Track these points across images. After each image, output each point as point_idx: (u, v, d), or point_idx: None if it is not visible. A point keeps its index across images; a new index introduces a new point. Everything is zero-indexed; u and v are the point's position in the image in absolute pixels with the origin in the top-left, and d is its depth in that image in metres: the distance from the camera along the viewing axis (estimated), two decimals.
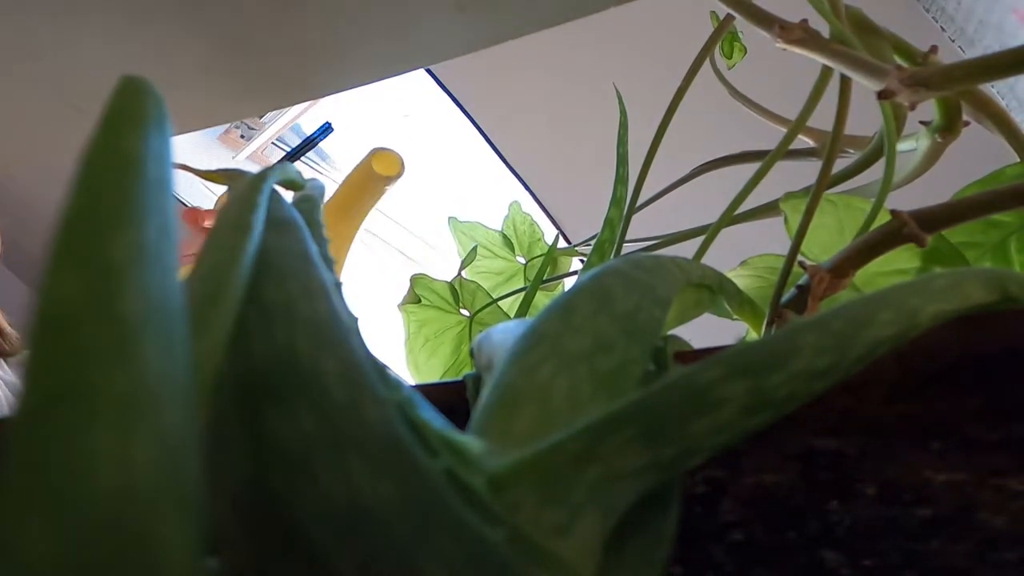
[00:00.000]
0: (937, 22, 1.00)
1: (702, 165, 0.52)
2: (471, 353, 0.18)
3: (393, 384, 0.12)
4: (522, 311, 0.52)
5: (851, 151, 0.43)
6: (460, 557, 0.09)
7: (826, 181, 0.34)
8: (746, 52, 0.65)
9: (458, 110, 1.39)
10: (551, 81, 1.32)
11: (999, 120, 0.34)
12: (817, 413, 0.14)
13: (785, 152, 0.38)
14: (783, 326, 0.29)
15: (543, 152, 1.40)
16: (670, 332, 0.19)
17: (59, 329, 0.08)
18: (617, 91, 0.50)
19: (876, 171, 0.38)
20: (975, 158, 0.38)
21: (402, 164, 0.51)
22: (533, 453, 0.11)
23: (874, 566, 0.13)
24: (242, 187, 0.15)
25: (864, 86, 0.31)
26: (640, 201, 0.44)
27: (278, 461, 0.10)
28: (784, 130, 0.38)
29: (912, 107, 0.30)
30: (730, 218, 0.37)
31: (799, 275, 0.30)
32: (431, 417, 0.12)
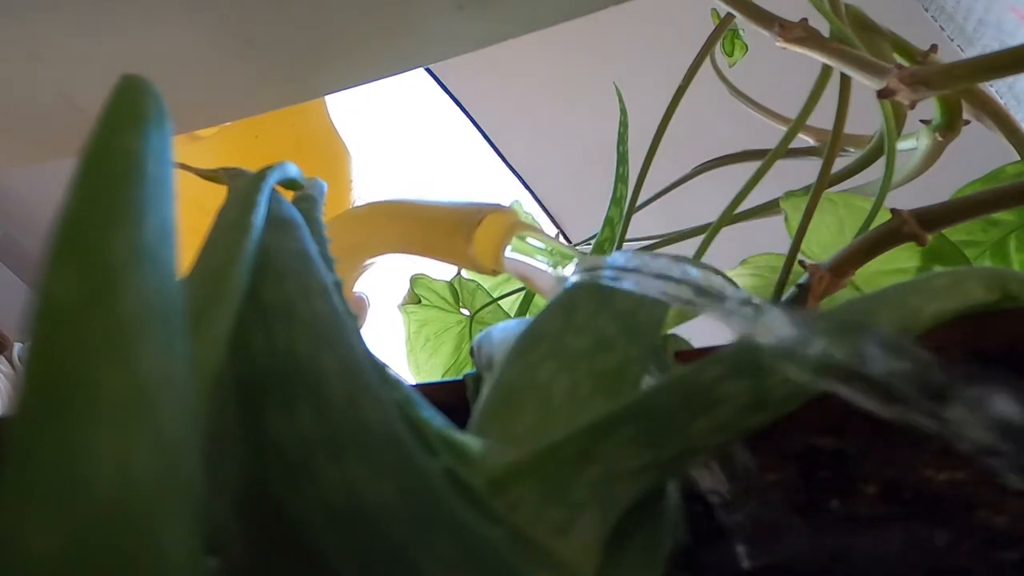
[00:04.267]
0: (936, 21, 1.00)
1: (702, 164, 0.52)
2: (471, 352, 0.18)
3: (393, 383, 0.12)
4: (522, 310, 0.52)
5: (851, 150, 0.43)
6: (459, 556, 0.09)
7: (826, 180, 0.34)
8: (747, 50, 0.65)
9: (458, 110, 1.38)
10: (551, 81, 1.32)
11: (999, 118, 0.34)
12: (817, 413, 0.14)
13: (785, 151, 0.38)
14: None
15: (543, 152, 1.40)
16: (670, 331, 0.19)
17: (58, 328, 0.08)
18: (617, 90, 0.50)
19: (876, 170, 0.38)
20: (975, 157, 0.38)
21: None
22: (533, 452, 0.11)
23: (874, 564, 0.13)
24: (242, 186, 0.15)
25: (864, 85, 0.31)
26: (640, 200, 0.44)
27: (277, 461, 0.10)
28: (784, 129, 0.38)
29: (912, 106, 0.30)
30: (730, 217, 0.37)
31: (799, 274, 0.30)
32: (431, 416, 0.12)
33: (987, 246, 0.35)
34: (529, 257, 0.27)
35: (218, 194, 0.16)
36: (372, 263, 0.35)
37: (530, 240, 0.28)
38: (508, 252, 0.28)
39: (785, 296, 0.30)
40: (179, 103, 0.42)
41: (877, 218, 0.32)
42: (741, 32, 0.65)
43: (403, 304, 0.60)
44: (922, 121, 0.38)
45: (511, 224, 0.28)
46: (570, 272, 0.25)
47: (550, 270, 0.26)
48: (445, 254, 0.30)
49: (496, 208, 0.28)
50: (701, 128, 0.76)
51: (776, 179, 0.38)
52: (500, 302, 0.58)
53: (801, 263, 0.31)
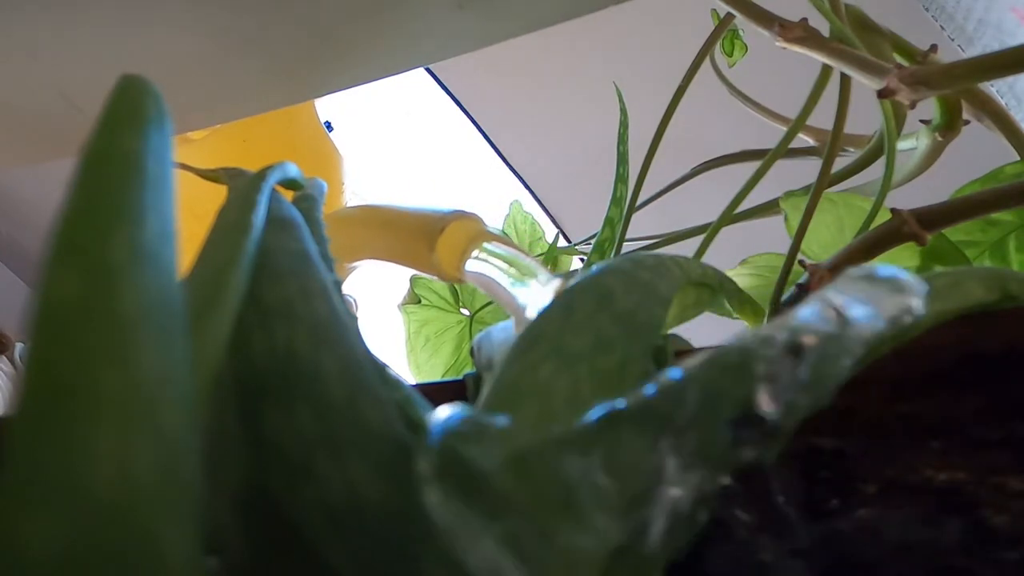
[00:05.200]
0: (936, 20, 1.00)
1: (702, 164, 0.52)
2: (471, 352, 0.18)
3: (393, 383, 0.12)
4: None
5: (851, 150, 0.43)
6: (459, 556, 0.09)
7: (826, 179, 0.34)
8: (747, 50, 0.65)
9: (458, 110, 1.38)
10: (551, 81, 1.32)
11: (999, 118, 0.34)
12: (817, 413, 0.14)
13: (785, 151, 0.38)
14: None
15: (543, 152, 1.40)
16: (670, 331, 0.19)
17: (58, 328, 0.08)
18: (617, 90, 0.50)
19: (876, 170, 0.38)
20: (975, 157, 0.38)
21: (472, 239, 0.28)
22: None
23: (873, 564, 0.13)
24: (242, 186, 0.15)
25: (864, 85, 0.31)
26: (640, 200, 0.44)
27: (277, 461, 0.10)
28: (784, 128, 0.38)
29: (912, 105, 0.30)
30: (730, 217, 0.37)
31: (799, 273, 0.30)
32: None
33: (987, 246, 0.35)
34: (499, 269, 0.27)
35: (208, 200, 0.16)
36: (355, 266, 0.35)
37: (496, 250, 0.27)
38: (476, 262, 0.27)
39: (785, 296, 0.30)
40: (179, 103, 0.42)
41: (877, 218, 0.32)
42: (741, 32, 0.65)
43: (403, 304, 0.60)
44: (922, 121, 0.38)
45: (474, 233, 0.28)
46: (531, 291, 0.25)
47: (509, 285, 0.26)
48: (410, 260, 0.30)
49: (460, 216, 0.28)
50: (701, 128, 0.76)
51: (776, 179, 0.38)
52: None
53: (801, 263, 0.31)
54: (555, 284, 0.22)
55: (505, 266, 0.26)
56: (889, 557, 0.13)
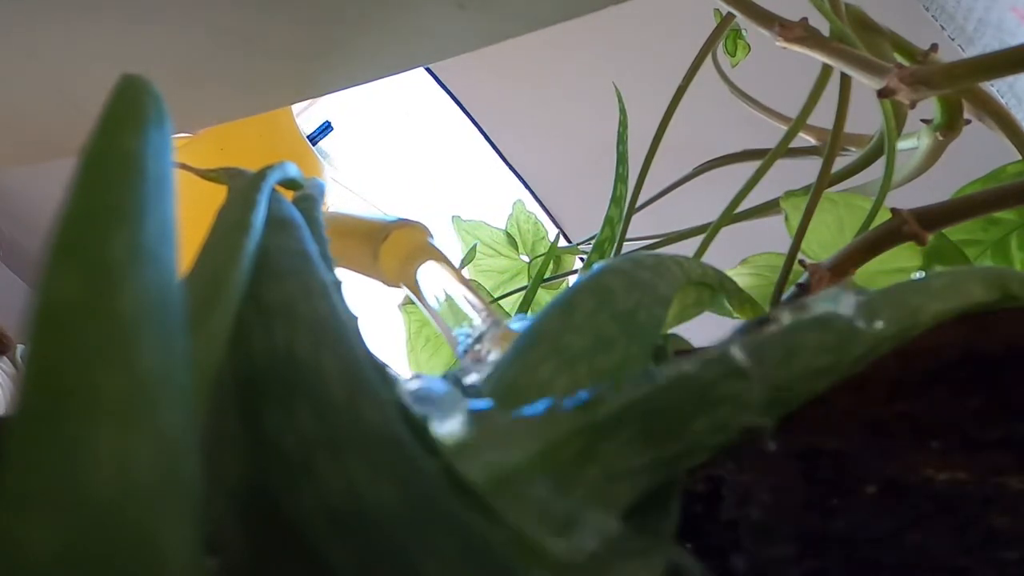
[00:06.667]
0: (937, 20, 1.00)
1: (702, 164, 0.52)
2: None
3: (393, 383, 0.12)
4: (523, 310, 0.52)
5: (851, 149, 0.43)
6: (459, 556, 0.09)
7: (826, 179, 0.34)
8: (750, 49, 0.65)
9: (458, 110, 1.38)
10: (551, 81, 1.32)
11: (1000, 118, 0.34)
12: (817, 412, 0.14)
13: (785, 150, 0.38)
14: None
15: (543, 152, 1.40)
16: (670, 330, 0.19)
17: (58, 328, 0.08)
18: (617, 90, 0.50)
19: (876, 169, 0.38)
20: (975, 156, 0.38)
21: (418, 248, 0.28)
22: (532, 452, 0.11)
23: (874, 564, 0.13)
24: (242, 186, 0.15)
25: (864, 84, 0.31)
26: (640, 200, 0.44)
27: (277, 461, 0.10)
28: (785, 128, 0.38)
29: (912, 105, 0.30)
30: (730, 216, 0.37)
31: (799, 273, 0.30)
32: None
33: (988, 245, 0.35)
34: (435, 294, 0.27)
35: (192, 209, 0.16)
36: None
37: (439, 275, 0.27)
38: (423, 277, 0.28)
39: (785, 295, 0.30)
40: (179, 103, 0.42)
41: (877, 218, 0.32)
42: (744, 32, 0.65)
43: (403, 304, 0.60)
44: (923, 120, 0.38)
45: (415, 245, 0.28)
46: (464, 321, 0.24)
47: (437, 311, 0.25)
48: (359, 266, 0.30)
49: (403, 225, 0.28)
50: (701, 128, 0.76)
51: (776, 179, 0.38)
52: (501, 301, 0.58)
53: (801, 263, 0.31)
54: (492, 333, 0.22)
55: (439, 293, 0.26)
56: (889, 557, 0.13)
